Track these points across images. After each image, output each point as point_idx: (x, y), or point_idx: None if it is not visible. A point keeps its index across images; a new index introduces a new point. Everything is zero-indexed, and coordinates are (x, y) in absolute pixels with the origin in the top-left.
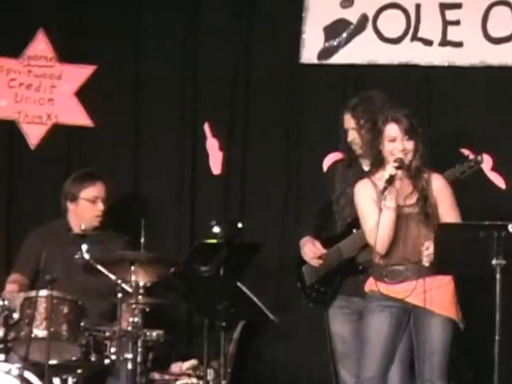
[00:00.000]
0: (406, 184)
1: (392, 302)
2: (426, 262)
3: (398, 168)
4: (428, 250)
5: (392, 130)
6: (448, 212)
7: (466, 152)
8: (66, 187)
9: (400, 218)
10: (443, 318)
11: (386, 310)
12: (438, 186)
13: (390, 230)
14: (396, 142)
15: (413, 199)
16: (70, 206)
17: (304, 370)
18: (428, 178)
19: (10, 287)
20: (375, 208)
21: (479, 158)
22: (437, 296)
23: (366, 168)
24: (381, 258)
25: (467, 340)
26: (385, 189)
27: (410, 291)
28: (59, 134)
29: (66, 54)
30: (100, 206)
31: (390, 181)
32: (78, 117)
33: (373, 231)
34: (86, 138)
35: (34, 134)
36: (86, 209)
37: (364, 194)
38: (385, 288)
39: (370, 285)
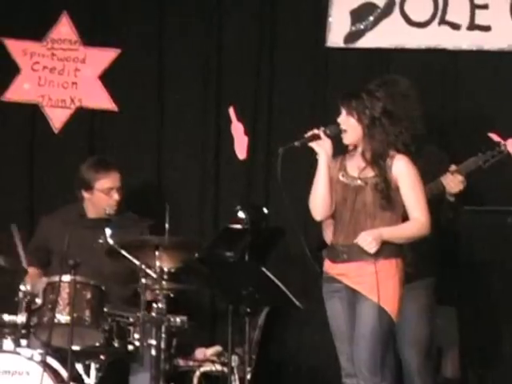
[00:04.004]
0: (358, 157)
1: (338, 285)
2: (369, 250)
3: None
4: (364, 241)
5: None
6: (407, 192)
7: (494, 137)
8: (81, 175)
9: (350, 189)
10: (373, 303)
11: (334, 295)
12: (399, 167)
13: (315, 189)
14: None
15: (368, 173)
16: (85, 194)
17: (329, 357)
18: (391, 161)
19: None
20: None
21: (502, 147)
22: (371, 281)
23: None
24: (333, 236)
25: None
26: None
27: (344, 273)
28: (83, 117)
29: (90, 37)
30: (115, 197)
31: (309, 139)
32: (102, 100)
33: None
34: (110, 121)
35: (57, 118)
36: (101, 199)
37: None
38: (329, 266)
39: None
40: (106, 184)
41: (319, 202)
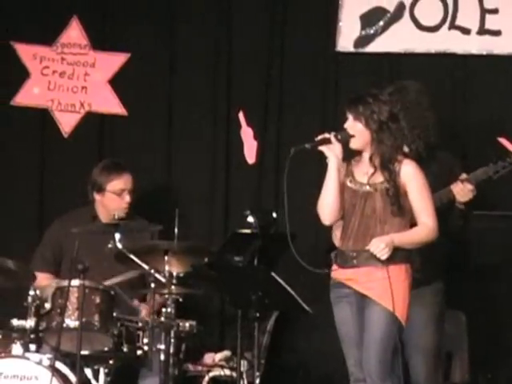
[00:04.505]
0: (366, 163)
1: (347, 290)
2: (381, 257)
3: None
4: (377, 248)
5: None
6: (415, 197)
7: (503, 142)
8: (93, 177)
9: (358, 195)
10: (383, 308)
11: (343, 300)
12: (407, 171)
13: (325, 194)
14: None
15: (376, 179)
16: (97, 196)
17: (338, 362)
18: (399, 166)
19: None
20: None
21: None
22: (381, 286)
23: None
24: (341, 241)
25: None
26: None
27: (353, 279)
28: (92, 122)
29: (100, 41)
30: (127, 199)
31: (320, 142)
32: (112, 105)
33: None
34: (119, 126)
35: (67, 122)
36: (112, 201)
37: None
38: (337, 272)
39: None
40: (118, 185)
41: (328, 207)
